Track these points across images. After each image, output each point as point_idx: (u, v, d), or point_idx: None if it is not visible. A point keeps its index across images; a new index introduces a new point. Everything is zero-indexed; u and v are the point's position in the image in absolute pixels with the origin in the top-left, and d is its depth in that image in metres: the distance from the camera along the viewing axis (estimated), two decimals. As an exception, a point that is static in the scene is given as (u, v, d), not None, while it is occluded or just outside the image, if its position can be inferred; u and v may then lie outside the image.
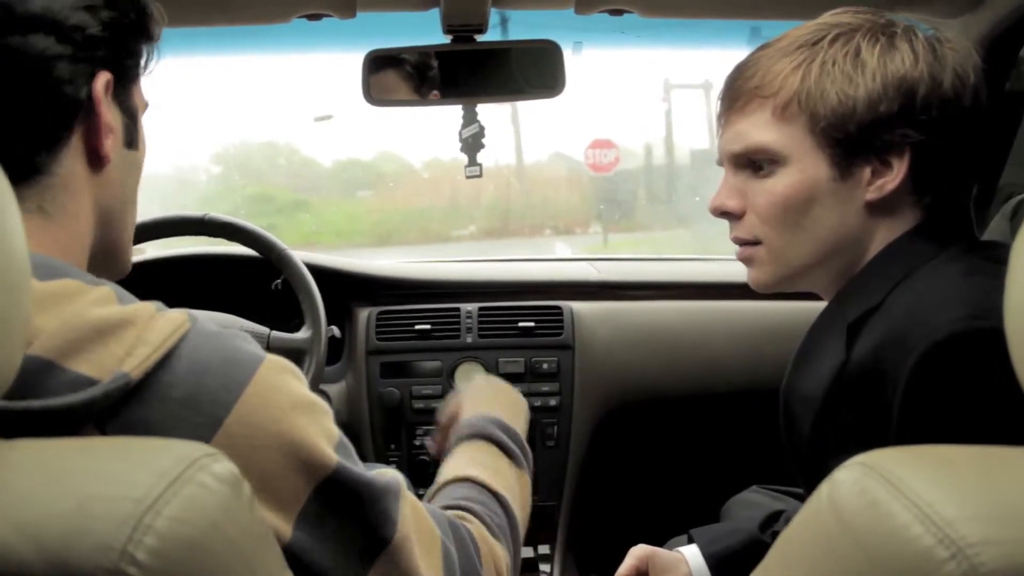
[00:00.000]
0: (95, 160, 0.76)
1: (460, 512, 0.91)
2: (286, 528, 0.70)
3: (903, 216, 1.02)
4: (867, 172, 1.00)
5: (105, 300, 0.68)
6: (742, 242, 1.09)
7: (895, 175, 0.99)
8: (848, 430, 0.96)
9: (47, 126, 0.73)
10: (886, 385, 0.91)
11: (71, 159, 0.74)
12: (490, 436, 1.05)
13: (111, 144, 0.76)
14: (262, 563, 0.59)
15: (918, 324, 0.90)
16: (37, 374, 0.63)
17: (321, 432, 0.72)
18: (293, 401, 0.71)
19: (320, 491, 0.71)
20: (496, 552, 0.91)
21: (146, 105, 0.85)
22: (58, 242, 0.74)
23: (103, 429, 0.63)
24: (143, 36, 0.80)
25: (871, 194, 1.01)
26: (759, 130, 1.03)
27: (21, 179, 0.71)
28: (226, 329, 0.72)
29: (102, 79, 0.74)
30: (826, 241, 1.03)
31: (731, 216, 1.08)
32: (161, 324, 0.67)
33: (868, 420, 0.93)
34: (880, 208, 1.01)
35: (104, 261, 0.82)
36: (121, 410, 0.63)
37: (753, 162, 1.05)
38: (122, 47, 0.77)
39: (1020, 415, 0.67)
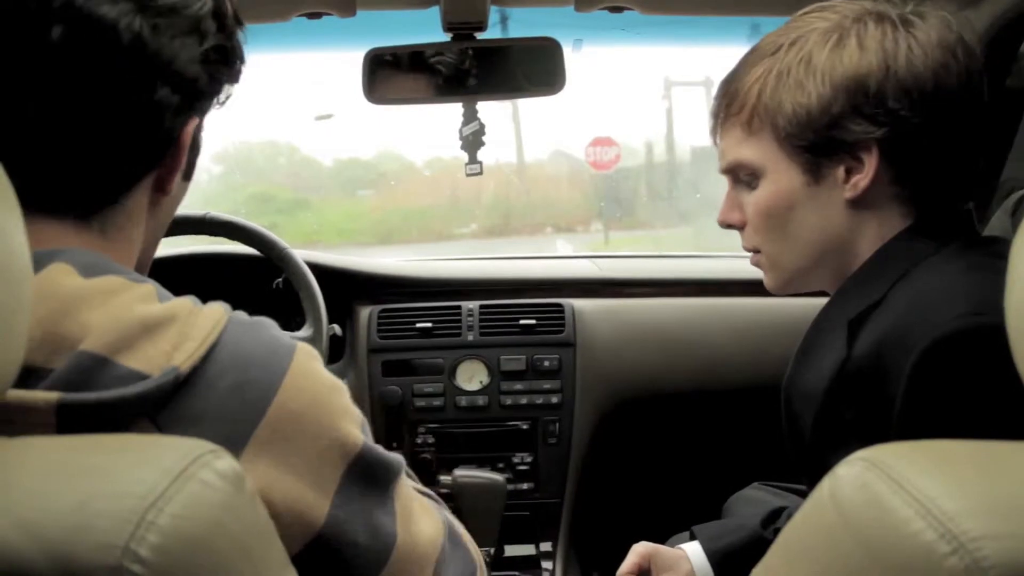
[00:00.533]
0: (159, 192, 0.78)
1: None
2: (323, 507, 0.72)
3: (890, 210, 1.02)
4: (840, 172, 1.00)
5: (147, 297, 0.71)
6: (748, 251, 1.11)
7: (866, 171, 0.99)
8: (849, 426, 0.96)
9: (139, 166, 0.75)
10: (888, 381, 0.91)
11: (141, 192, 0.77)
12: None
13: (177, 179, 0.79)
14: (264, 559, 0.59)
15: (920, 320, 0.90)
16: (91, 369, 0.65)
17: (348, 413, 0.75)
18: (324, 386, 0.74)
19: (350, 470, 0.74)
20: (464, 528, 0.95)
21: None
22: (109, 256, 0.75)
23: (155, 420, 0.65)
24: (235, 80, 0.81)
25: (848, 192, 1.01)
26: (734, 147, 1.05)
27: (98, 209, 0.74)
28: (258, 318, 0.75)
29: (193, 123, 0.77)
30: (814, 243, 1.04)
31: (735, 228, 1.11)
32: (202, 319, 0.69)
33: (869, 416, 0.93)
34: (863, 204, 1.01)
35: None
36: (171, 402, 0.66)
37: (740, 176, 1.07)
38: (218, 93, 0.79)
39: (1022, 411, 0.68)
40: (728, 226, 1.11)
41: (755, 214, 1.06)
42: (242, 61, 0.81)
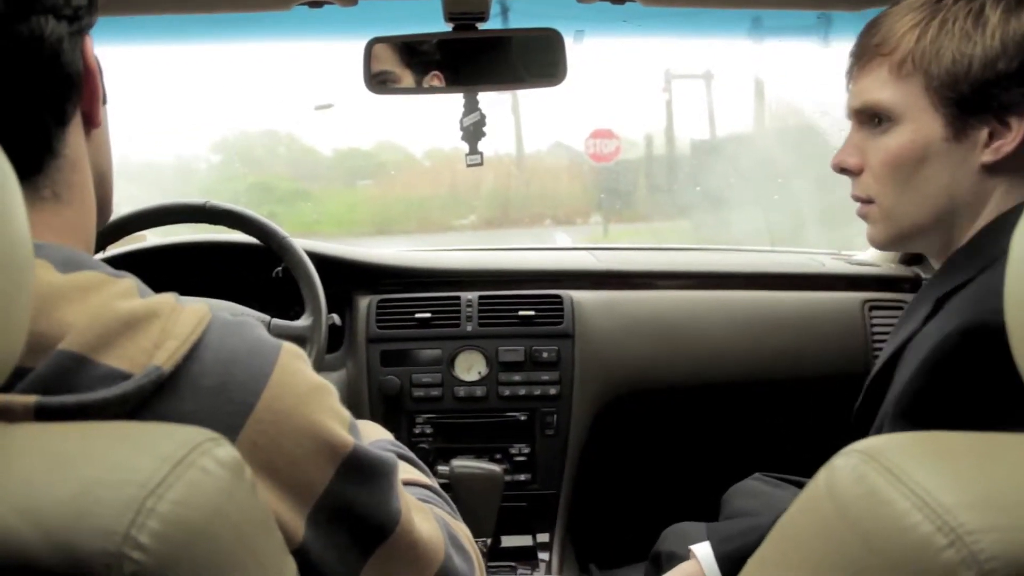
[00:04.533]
0: (90, 126, 0.75)
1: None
2: (299, 526, 0.71)
3: (1019, 180, 1.01)
4: (984, 133, 0.99)
5: (128, 292, 0.69)
6: (858, 199, 1.10)
7: (1014, 136, 0.98)
8: (889, 398, 0.96)
9: (60, 109, 0.72)
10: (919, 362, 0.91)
11: (75, 135, 0.74)
12: (398, 454, 1.06)
13: (101, 106, 0.75)
14: (263, 547, 0.59)
15: (970, 305, 0.90)
16: (70, 370, 0.63)
17: (336, 415, 0.74)
18: (311, 386, 0.72)
19: (341, 472, 0.72)
20: (461, 526, 0.94)
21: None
22: (73, 227, 0.73)
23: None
24: None
25: (987, 156, 1.00)
26: (876, 88, 1.04)
27: (42, 167, 0.71)
28: (241, 318, 0.73)
29: (88, 44, 0.73)
30: (937, 202, 1.03)
31: (850, 173, 1.09)
32: (185, 316, 0.67)
33: (902, 389, 0.93)
34: (996, 170, 1.00)
35: (98, 219, 0.81)
36: (153, 402, 0.64)
37: (872, 119, 1.05)
38: (95, 5, 0.74)
39: None
40: (842, 170, 1.10)
41: (882, 161, 1.05)
42: None
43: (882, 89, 1.03)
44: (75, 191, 0.74)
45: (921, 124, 1.01)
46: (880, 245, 1.11)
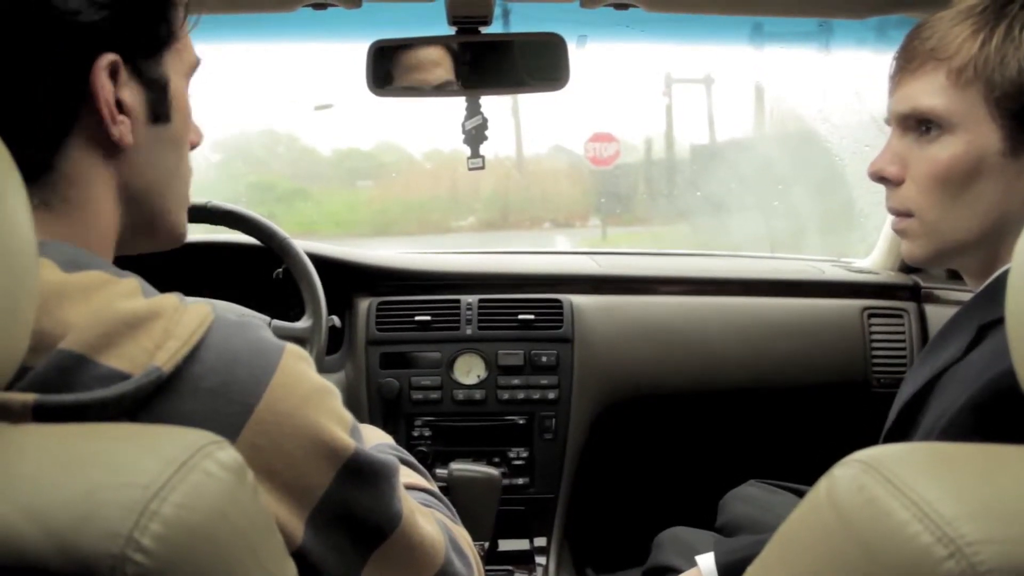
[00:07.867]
0: (110, 146, 0.74)
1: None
2: (298, 528, 0.71)
3: None
4: None
5: (131, 292, 0.69)
6: (895, 212, 1.04)
7: None
8: (926, 427, 0.91)
9: (48, 125, 0.71)
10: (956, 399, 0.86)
11: (78, 151, 0.73)
12: (398, 458, 1.08)
13: (126, 128, 0.74)
14: (265, 550, 0.59)
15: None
16: (70, 369, 0.63)
17: (337, 417, 0.74)
18: (313, 388, 0.72)
19: (341, 475, 0.72)
20: (461, 530, 0.95)
21: (195, 63, 0.81)
22: (66, 235, 0.73)
23: (135, 422, 0.63)
24: (158, 4, 0.75)
25: None
26: (930, 94, 0.98)
27: (36, 178, 0.70)
28: (245, 319, 0.73)
29: (104, 64, 0.71)
30: (985, 219, 0.97)
31: (888, 182, 1.03)
32: (188, 317, 0.67)
33: (943, 427, 0.87)
34: None
35: (143, 237, 0.81)
36: (152, 402, 0.64)
37: (920, 126, 0.99)
38: (129, 24, 0.73)
39: None
40: (880, 179, 1.03)
41: (928, 172, 0.98)
42: None
43: (936, 95, 0.97)
44: (72, 203, 0.73)
45: (976, 135, 0.95)
46: (918, 262, 1.05)
